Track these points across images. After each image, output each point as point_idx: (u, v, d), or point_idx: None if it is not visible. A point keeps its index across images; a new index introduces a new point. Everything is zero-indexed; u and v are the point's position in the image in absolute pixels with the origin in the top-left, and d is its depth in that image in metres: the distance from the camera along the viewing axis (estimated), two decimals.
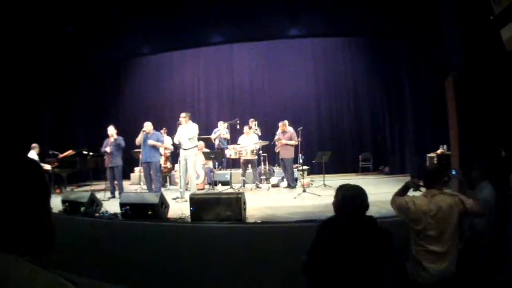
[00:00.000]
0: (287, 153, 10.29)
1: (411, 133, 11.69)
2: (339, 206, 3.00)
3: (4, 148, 10.37)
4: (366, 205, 2.96)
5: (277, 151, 11.10)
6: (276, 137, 10.70)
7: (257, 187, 10.70)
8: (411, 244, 3.73)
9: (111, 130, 9.70)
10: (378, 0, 10.39)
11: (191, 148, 9.13)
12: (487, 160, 4.86)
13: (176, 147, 10.15)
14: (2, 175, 1.15)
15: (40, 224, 1.19)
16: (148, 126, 9.35)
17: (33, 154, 10.55)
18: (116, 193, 9.51)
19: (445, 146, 9.59)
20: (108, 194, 9.55)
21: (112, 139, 9.62)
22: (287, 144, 10.26)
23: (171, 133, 11.44)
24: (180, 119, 9.25)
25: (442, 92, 8.21)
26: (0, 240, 1.12)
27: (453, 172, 4.32)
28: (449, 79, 7.65)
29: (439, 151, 9.80)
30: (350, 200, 2.92)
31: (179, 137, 9.21)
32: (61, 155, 11.10)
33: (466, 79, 6.79)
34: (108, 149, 9.57)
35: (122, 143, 9.66)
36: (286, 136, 10.34)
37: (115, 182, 9.69)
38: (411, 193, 3.99)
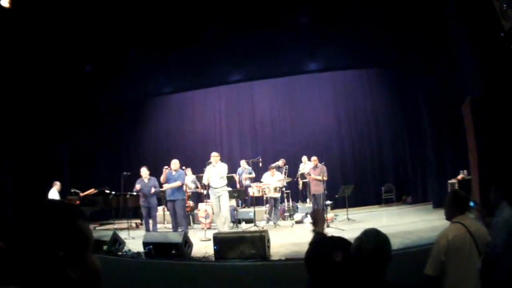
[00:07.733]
0: (318, 189, 10.04)
1: (432, 160, 11.45)
2: None
3: (26, 185, 10.54)
4: None
5: (300, 186, 10.88)
6: (306, 172, 10.52)
7: (272, 223, 10.27)
8: None
9: (144, 172, 9.77)
10: (393, 30, 10.46)
11: (222, 186, 9.15)
12: (506, 182, 4.65)
13: (204, 187, 10.03)
14: (24, 220, 1.12)
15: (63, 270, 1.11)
16: (173, 164, 9.28)
17: (54, 192, 10.70)
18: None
19: (465, 171, 9.39)
20: (132, 233, 9.52)
21: (146, 180, 9.70)
22: (316, 179, 10.05)
23: (196, 172, 11.42)
24: (212, 158, 9.22)
25: (460, 117, 8.11)
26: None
27: (472, 204, 4.18)
28: (466, 103, 7.55)
29: (459, 177, 9.60)
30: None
31: (209, 176, 9.17)
32: (82, 194, 11.16)
33: (482, 101, 6.66)
34: (138, 187, 9.62)
35: (156, 184, 9.67)
36: (317, 171, 10.10)
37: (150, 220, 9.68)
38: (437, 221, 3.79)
